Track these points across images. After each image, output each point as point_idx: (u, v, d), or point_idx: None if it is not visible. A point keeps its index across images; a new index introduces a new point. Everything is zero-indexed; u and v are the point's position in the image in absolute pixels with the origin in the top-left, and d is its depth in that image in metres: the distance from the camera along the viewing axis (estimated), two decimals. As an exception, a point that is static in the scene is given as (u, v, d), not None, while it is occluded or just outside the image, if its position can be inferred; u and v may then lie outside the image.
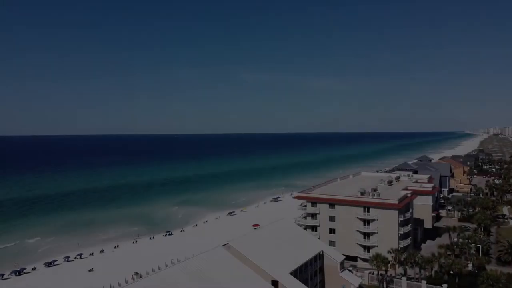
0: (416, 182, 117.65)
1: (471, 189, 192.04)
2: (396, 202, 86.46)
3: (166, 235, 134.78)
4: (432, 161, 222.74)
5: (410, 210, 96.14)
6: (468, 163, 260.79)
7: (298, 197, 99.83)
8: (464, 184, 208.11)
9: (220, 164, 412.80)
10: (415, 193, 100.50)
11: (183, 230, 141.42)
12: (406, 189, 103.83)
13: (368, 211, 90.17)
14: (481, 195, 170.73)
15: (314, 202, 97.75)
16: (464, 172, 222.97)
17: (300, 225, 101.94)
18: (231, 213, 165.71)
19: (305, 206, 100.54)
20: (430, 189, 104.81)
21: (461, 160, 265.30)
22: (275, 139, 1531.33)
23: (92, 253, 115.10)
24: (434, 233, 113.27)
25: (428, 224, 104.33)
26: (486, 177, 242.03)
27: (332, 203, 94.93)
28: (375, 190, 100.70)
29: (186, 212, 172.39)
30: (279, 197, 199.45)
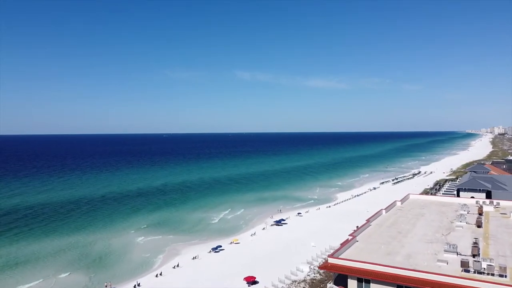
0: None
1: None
2: None
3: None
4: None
5: None
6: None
7: (330, 268, 50.77)
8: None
9: (212, 168, 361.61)
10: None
11: (139, 284, 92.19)
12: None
13: (490, 313, 41.23)
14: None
15: (363, 278, 48.71)
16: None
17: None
18: (216, 248, 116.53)
19: (340, 278, 51.70)
20: None
21: (504, 167, 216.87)
22: (276, 139, 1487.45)
23: None
24: None
25: None
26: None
27: (403, 286, 45.86)
28: (477, 248, 51.91)
29: (152, 247, 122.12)
30: (282, 220, 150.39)
